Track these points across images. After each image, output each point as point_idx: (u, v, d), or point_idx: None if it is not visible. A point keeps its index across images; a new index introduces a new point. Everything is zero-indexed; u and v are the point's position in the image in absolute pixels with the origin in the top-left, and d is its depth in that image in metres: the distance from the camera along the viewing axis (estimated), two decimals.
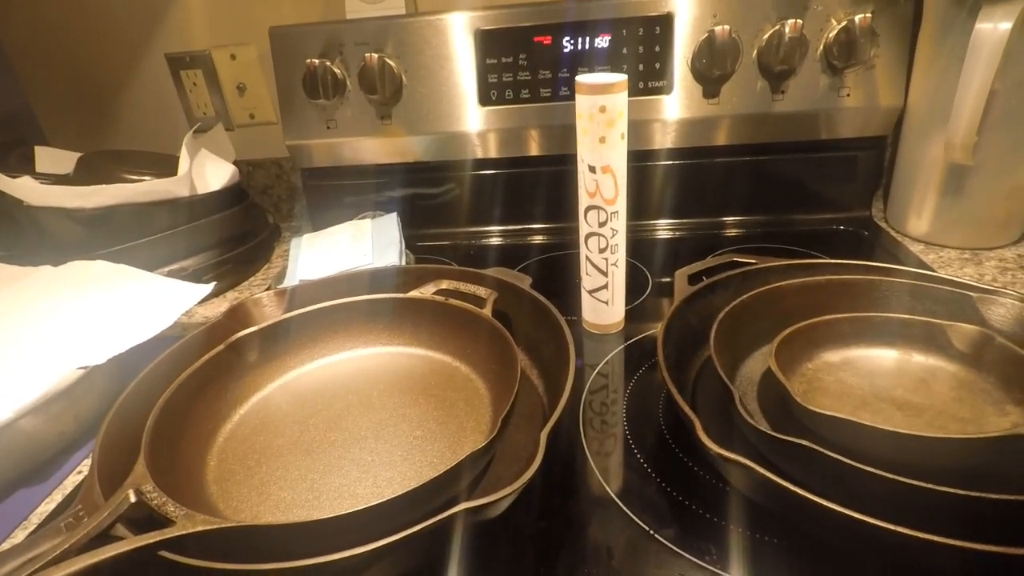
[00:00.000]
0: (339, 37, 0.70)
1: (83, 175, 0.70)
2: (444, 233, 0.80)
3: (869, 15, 0.62)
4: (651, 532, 0.35)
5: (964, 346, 0.42)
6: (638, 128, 0.70)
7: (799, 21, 0.62)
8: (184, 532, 0.29)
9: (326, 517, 0.29)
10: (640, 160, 0.72)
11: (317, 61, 0.69)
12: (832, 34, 0.63)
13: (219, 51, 0.82)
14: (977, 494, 0.28)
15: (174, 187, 0.65)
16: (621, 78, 0.44)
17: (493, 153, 0.74)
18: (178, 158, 0.69)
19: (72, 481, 0.44)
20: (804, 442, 0.30)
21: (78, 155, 0.73)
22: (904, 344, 0.45)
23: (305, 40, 0.71)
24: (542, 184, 0.76)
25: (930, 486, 0.28)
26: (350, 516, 0.29)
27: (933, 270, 0.59)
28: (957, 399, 0.40)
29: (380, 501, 0.29)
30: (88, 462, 0.46)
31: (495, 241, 0.79)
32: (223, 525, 0.29)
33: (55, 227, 0.63)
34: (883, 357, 0.45)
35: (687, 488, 0.38)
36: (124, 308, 0.53)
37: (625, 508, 0.37)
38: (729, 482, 0.37)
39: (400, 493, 0.30)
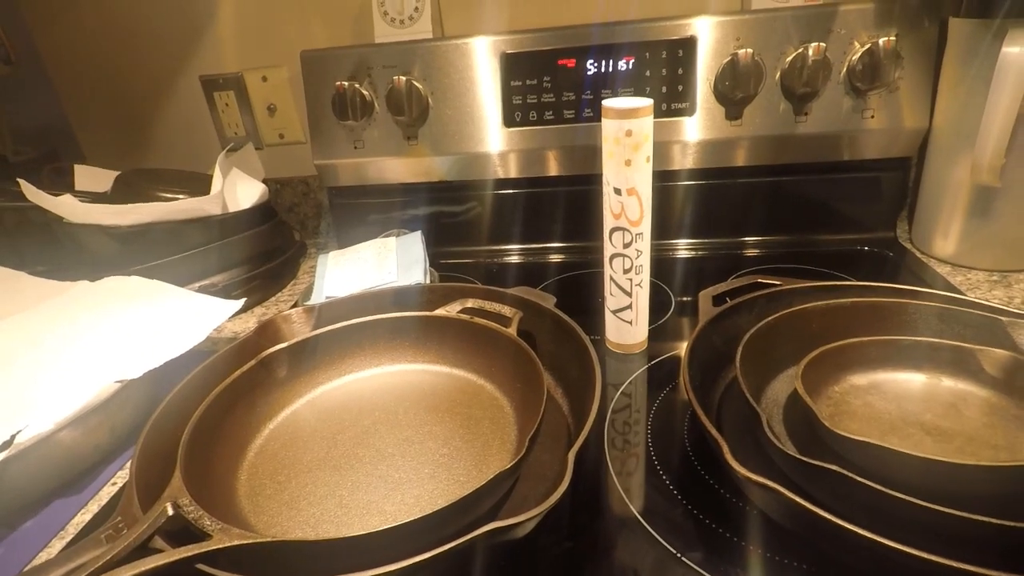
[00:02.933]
0: (368, 60, 0.72)
1: (120, 193, 0.72)
2: (467, 251, 0.81)
3: (893, 38, 0.62)
4: (677, 555, 0.35)
5: (996, 371, 0.42)
6: (661, 149, 0.70)
7: (822, 44, 0.63)
8: (221, 546, 0.30)
9: (358, 535, 0.30)
10: (663, 180, 0.73)
11: (346, 83, 0.71)
12: (856, 57, 0.64)
13: (251, 73, 0.85)
14: (1013, 523, 0.27)
15: (207, 205, 0.67)
16: (647, 103, 0.44)
17: (517, 173, 0.75)
18: (209, 176, 0.71)
19: (107, 492, 0.45)
20: (837, 468, 0.30)
21: (116, 173, 0.75)
22: (933, 368, 0.44)
23: (335, 63, 0.73)
24: (564, 204, 0.77)
25: (967, 515, 0.28)
26: (381, 534, 0.30)
27: (961, 292, 0.59)
28: (989, 425, 0.39)
29: (410, 519, 0.30)
30: (122, 474, 0.47)
31: (517, 260, 0.79)
32: (259, 540, 0.30)
33: (93, 243, 0.65)
34: (911, 381, 0.44)
35: (713, 510, 0.38)
36: (158, 323, 0.54)
37: (651, 529, 0.37)
38: (756, 505, 0.37)
39: (430, 512, 0.30)
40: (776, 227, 0.75)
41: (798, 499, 0.29)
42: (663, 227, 0.76)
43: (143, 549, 0.31)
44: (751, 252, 0.75)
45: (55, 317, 0.56)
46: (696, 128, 0.69)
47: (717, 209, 0.75)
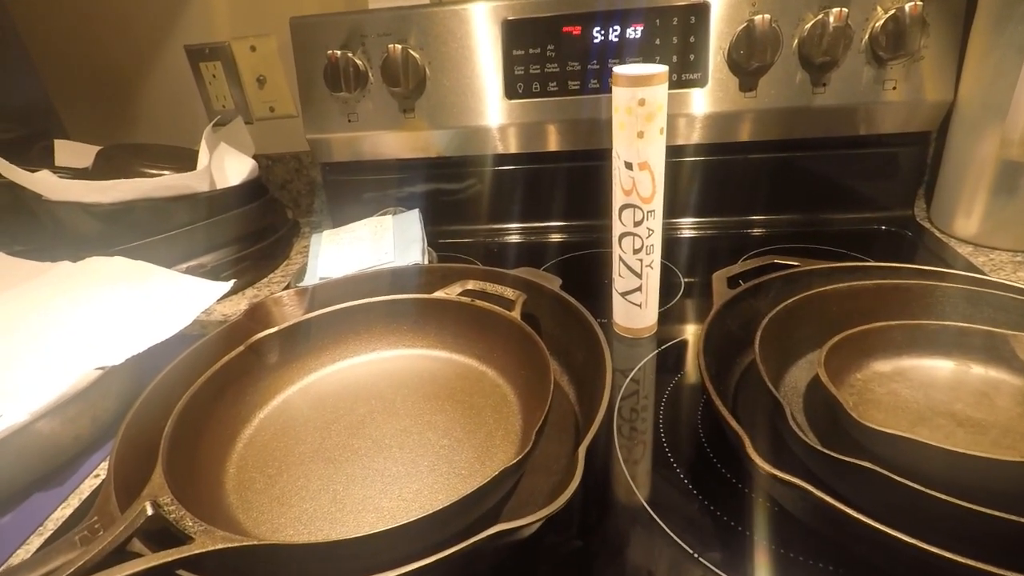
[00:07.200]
0: (361, 28, 0.68)
1: (102, 169, 0.69)
2: (466, 230, 0.78)
3: (920, 3, 0.58)
4: (695, 555, 0.33)
5: None
6: (670, 122, 0.67)
7: (844, 10, 0.59)
8: (203, 550, 0.27)
9: (351, 537, 0.27)
10: (672, 156, 0.69)
11: (339, 53, 0.67)
12: (879, 24, 0.60)
13: (239, 43, 0.81)
14: None
15: (193, 182, 0.63)
16: (661, 69, 0.41)
17: (518, 148, 0.72)
18: (196, 151, 0.68)
19: (89, 485, 0.43)
20: (872, 466, 0.28)
21: (97, 148, 0.72)
22: (961, 354, 0.42)
23: (327, 31, 0.69)
24: (568, 181, 0.74)
25: (1015, 518, 0.25)
26: (376, 536, 0.28)
27: (984, 273, 0.56)
28: (1023, 416, 0.37)
29: (407, 521, 0.28)
30: (105, 465, 0.45)
31: (519, 239, 0.76)
32: (244, 543, 0.28)
33: (73, 222, 0.61)
34: (939, 368, 0.42)
35: (731, 506, 0.36)
36: (142, 306, 0.51)
37: (665, 527, 0.34)
38: (778, 502, 0.35)
39: (428, 513, 0.28)
40: (789, 205, 0.72)
41: (832, 501, 0.27)
42: (670, 205, 0.73)
43: (120, 552, 0.29)
44: (762, 231, 0.72)
45: (34, 300, 0.53)
46: (708, 100, 0.66)
47: (727, 186, 0.72)
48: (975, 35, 0.59)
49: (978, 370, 0.41)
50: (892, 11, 0.59)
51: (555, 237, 0.76)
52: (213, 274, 0.64)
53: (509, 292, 0.48)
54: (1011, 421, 0.37)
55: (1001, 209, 0.60)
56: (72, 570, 0.27)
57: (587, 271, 0.66)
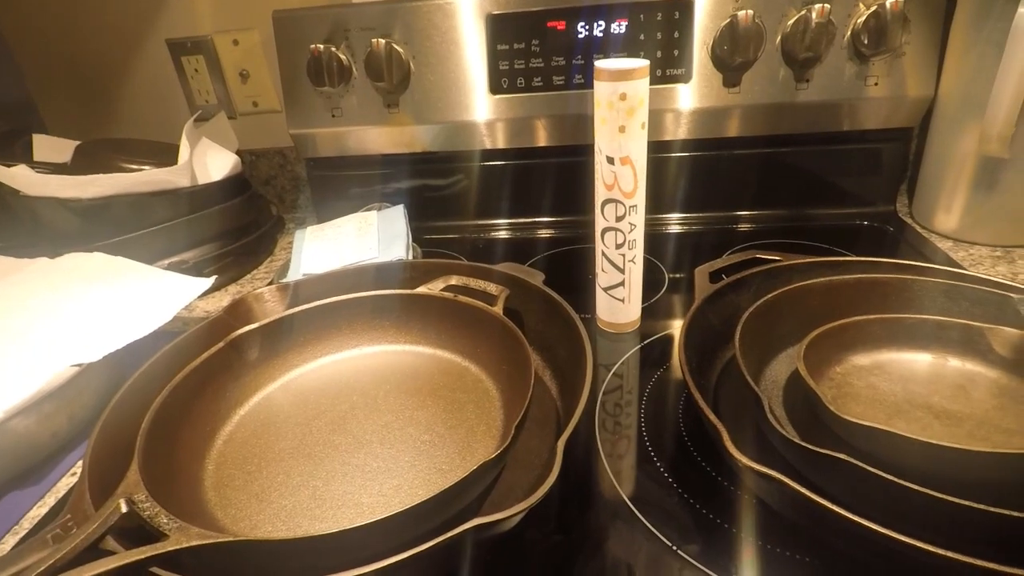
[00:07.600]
0: (345, 21, 0.68)
1: (81, 164, 0.68)
2: (452, 226, 0.77)
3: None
4: (673, 548, 0.33)
5: (1006, 351, 0.40)
6: (654, 118, 0.67)
7: (827, 6, 0.59)
8: (177, 547, 0.27)
9: (328, 533, 0.27)
10: (656, 151, 0.70)
11: (322, 47, 0.67)
12: (861, 19, 0.60)
13: (221, 36, 0.80)
14: None
15: (174, 177, 0.63)
16: (643, 64, 0.41)
17: (503, 143, 0.72)
18: (179, 147, 0.67)
19: (66, 483, 0.42)
20: (847, 458, 0.28)
21: (76, 143, 0.71)
22: (939, 347, 0.42)
23: (310, 25, 0.68)
24: (554, 176, 0.74)
25: (988, 508, 0.26)
26: (354, 531, 0.28)
27: (964, 268, 0.57)
28: (999, 407, 0.38)
29: (385, 516, 0.28)
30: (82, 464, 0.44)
31: (504, 235, 0.76)
32: (218, 539, 0.28)
33: (51, 218, 0.61)
34: (916, 361, 0.42)
35: (710, 499, 0.36)
36: (122, 303, 0.51)
37: (645, 521, 0.35)
38: (757, 495, 0.35)
39: (406, 507, 0.28)
40: (773, 200, 0.72)
41: (808, 493, 0.27)
42: (656, 201, 0.73)
43: (94, 550, 0.28)
44: (747, 227, 0.72)
45: (11, 296, 0.52)
46: (692, 96, 0.66)
47: (712, 181, 0.72)
48: (955, 31, 0.59)
49: (955, 363, 0.42)
50: (874, 7, 0.59)
51: (541, 233, 0.76)
52: (195, 270, 0.64)
53: (492, 287, 0.48)
54: (986, 413, 0.37)
55: (980, 204, 0.60)
56: (42, 569, 0.26)
57: (572, 266, 0.66)
